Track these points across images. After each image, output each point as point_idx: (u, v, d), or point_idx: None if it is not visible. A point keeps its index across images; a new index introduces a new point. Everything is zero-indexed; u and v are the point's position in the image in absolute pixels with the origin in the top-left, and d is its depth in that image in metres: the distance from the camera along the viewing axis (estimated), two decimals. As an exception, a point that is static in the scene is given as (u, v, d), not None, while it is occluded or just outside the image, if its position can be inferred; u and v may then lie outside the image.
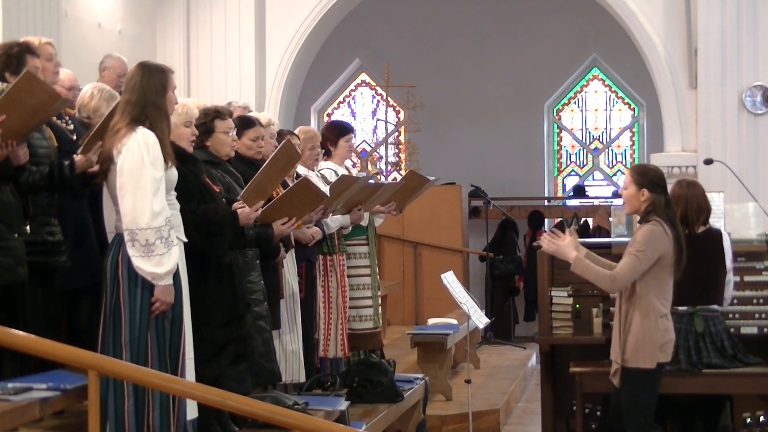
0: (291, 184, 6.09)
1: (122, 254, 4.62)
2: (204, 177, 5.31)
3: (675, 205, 6.36)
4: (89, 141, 5.07)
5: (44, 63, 5.51)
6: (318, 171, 7.21)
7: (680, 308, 6.32)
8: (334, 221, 6.97)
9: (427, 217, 12.83)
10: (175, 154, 4.92)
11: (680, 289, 6.24)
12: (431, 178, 7.88)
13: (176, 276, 4.69)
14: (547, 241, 6.02)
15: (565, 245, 5.99)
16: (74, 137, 5.66)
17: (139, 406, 4.58)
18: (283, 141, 5.99)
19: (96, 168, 4.91)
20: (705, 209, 6.47)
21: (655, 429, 5.99)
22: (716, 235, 6.52)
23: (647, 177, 6.00)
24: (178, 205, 4.87)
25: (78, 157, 5.04)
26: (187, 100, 5.48)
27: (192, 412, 4.80)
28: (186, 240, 4.88)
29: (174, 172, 4.80)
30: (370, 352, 7.47)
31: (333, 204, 6.56)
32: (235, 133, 5.80)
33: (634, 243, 5.94)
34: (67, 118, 5.77)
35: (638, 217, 6.12)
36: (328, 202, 6.37)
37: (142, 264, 4.58)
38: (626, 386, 5.99)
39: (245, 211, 5.29)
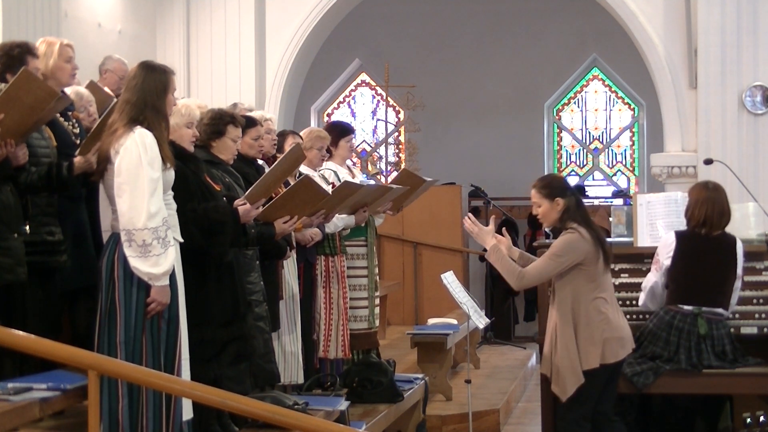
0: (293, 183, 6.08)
1: (118, 254, 4.60)
2: (205, 176, 5.30)
3: (700, 206, 6.33)
4: (87, 142, 5.07)
5: (62, 64, 5.55)
6: (319, 172, 7.22)
7: (685, 307, 6.28)
8: (340, 220, 6.99)
9: (427, 217, 12.84)
10: (176, 154, 4.91)
11: (687, 287, 6.23)
12: (428, 179, 7.87)
13: (172, 276, 4.68)
14: (469, 222, 6.09)
15: (486, 231, 6.06)
16: (78, 141, 5.64)
17: (134, 405, 4.57)
18: (294, 145, 6.01)
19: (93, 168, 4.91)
20: (727, 214, 6.41)
21: (584, 429, 5.95)
22: (731, 240, 6.45)
23: (553, 186, 6.00)
24: (175, 205, 4.85)
25: (77, 159, 5.04)
26: (189, 100, 5.47)
27: (188, 412, 4.79)
28: (183, 240, 4.86)
29: (171, 173, 4.78)
30: (366, 352, 7.48)
31: (335, 209, 6.56)
32: (240, 141, 5.81)
33: (553, 247, 5.92)
34: (74, 120, 5.77)
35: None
36: (330, 208, 6.37)
37: (139, 264, 4.56)
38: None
39: (246, 208, 5.28)
